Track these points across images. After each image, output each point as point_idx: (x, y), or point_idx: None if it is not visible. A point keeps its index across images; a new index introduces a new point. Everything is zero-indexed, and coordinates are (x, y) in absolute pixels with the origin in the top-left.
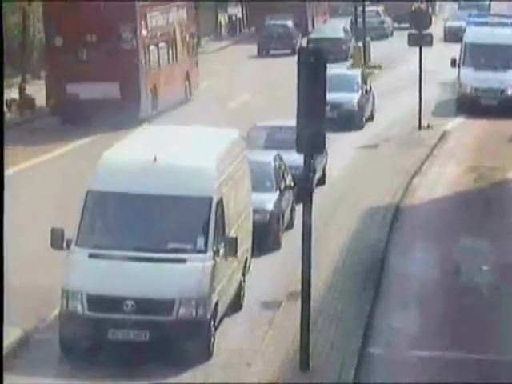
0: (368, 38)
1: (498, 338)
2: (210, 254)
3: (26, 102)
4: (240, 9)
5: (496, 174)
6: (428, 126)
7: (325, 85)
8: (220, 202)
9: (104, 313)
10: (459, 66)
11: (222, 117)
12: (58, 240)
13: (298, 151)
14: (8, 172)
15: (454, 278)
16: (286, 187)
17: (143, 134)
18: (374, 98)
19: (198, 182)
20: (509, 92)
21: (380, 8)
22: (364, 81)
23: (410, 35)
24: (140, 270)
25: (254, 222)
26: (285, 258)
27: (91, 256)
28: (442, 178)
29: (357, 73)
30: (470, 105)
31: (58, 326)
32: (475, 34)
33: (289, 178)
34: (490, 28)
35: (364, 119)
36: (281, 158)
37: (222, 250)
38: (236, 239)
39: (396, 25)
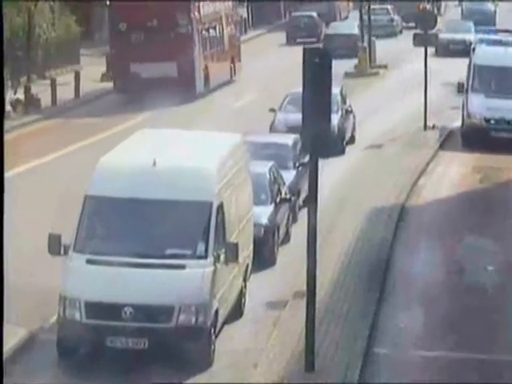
0: (373, 38)
1: (503, 337)
2: (210, 259)
3: (32, 102)
4: (245, 9)
5: (501, 175)
6: (433, 127)
7: (330, 85)
8: (221, 207)
9: (102, 320)
10: (466, 92)
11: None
12: (55, 245)
13: (303, 151)
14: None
15: (458, 277)
16: (281, 200)
17: (142, 137)
18: (354, 117)
19: (198, 187)
20: None
21: (390, 6)
22: (343, 100)
23: (415, 35)
24: (139, 276)
25: None
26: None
27: (89, 262)
28: (447, 179)
29: (336, 91)
30: (479, 138)
31: (56, 333)
32: (486, 54)
33: (284, 189)
34: (504, 48)
35: (345, 143)
36: (276, 169)
37: (222, 256)
38: (237, 245)
39: (404, 24)
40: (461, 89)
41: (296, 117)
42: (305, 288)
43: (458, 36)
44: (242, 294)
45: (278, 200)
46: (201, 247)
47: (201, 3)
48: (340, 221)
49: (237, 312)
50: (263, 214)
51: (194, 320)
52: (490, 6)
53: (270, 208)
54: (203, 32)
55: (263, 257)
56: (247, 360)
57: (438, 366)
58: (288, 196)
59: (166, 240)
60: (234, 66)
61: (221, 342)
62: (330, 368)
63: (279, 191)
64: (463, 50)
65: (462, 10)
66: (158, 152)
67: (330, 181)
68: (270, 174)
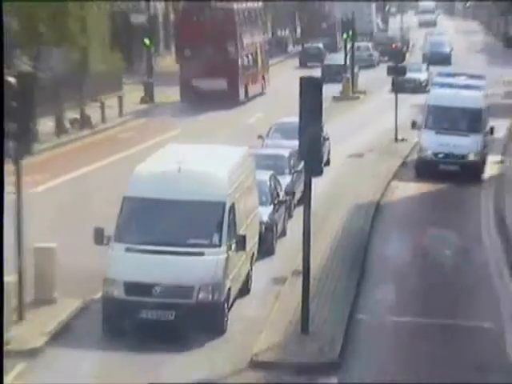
0: (356, 70)
1: (460, 307)
2: (223, 248)
3: (85, 120)
4: None
5: None
6: (402, 139)
7: (321, 107)
8: (232, 206)
9: (137, 296)
10: (420, 129)
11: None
12: (99, 237)
13: (300, 159)
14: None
15: (423, 259)
16: (279, 201)
17: (169, 150)
18: (329, 144)
19: (213, 190)
20: (470, 157)
21: (370, 44)
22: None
23: (388, 67)
24: (166, 261)
25: None
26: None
27: (127, 250)
28: (414, 181)
29: None
30: (430, 170)
31: (101, 308)
32: (439, 96)
33: (282, 193)
34: (455, 90)
35: (322, 165)
36: (275, 177)
37: (233, 245)
38: (245, 236)
39: (381, 58)
40: (414, 125)
41: (280, 142)
42: (301, 268)
43: (411, 75)
44: (248, 276)
45: (276, 202)
46: (216, 238)
47: (243, 37)
48: (329, 215)
49: (245, 290)
50: (264, 213)
51: (210, 297)
52: (447, 49)
53: (270, 208)
54: (244, 57)
55: (264, 248)
56: (255, 326)
57: (408, 329)
58: (284, 198)
59: (188, 232)
60: (264, 83)
61: (236, 307)
62: (321, 331)
63: (277, 194)
64: (414, 87)
65: (424, 52)
66: (181, 162)
67: (321, 182)
68: (270, 181)
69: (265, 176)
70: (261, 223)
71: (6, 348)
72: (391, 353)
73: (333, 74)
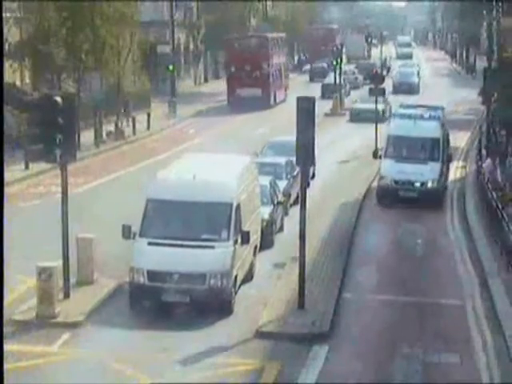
0: (343, 90)
1: (431, 287)
2: (231, 242)
3: (119, 132)
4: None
5: None
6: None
7: (314, 121)
8: (238, 206)
9: (158, 283)
10: (381, 158)
11: None
12: (127, 233)
13: (297, 164)
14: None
15: (398, 247)
16: (278, 202)
17: (186, 159)
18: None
19: (222, 193)
20: (429, 185)
21: (356, 70)
22: None
23: (369, 89)
24: (183, 253)
25: None
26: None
27: (150, 244)
28: None
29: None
30: (390, 197)
31: (128, 293)
32: (398, 126)
33: (280, 195)
34: (413, 121)
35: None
36: (275, 182)
37: (239, 240)
38: (249, 232)
39: (364, 81)
40: (375, 155)
41: (272, 159)
42: (297, 255)
43: (369, 106)
44: (252, 265)
45: (275, 202)
46: (224, 233)
47: (273, 57)
48: (321, 211)
49: (249, 277)
50: (265, 212)
51: (220, 283)
52: (415, 79)
53: (270, 208)
54: (273, 73)
55: (264, 241)
56: (259, 302)
57: (386, 306)
58: (282, 199)
59: (201, 228)
60: (286, 92)
61: (242, 290)
62: (314, 306)
63: (276, 196)
64: (370, 117)
65: (394, 81)
66: (196, 169)
67: (314, 183)
68: (270, 185)
69: (266, 180)
70: (262, 220)
71: (54, 320)
72: (373, 325)
73: (329, 91)
